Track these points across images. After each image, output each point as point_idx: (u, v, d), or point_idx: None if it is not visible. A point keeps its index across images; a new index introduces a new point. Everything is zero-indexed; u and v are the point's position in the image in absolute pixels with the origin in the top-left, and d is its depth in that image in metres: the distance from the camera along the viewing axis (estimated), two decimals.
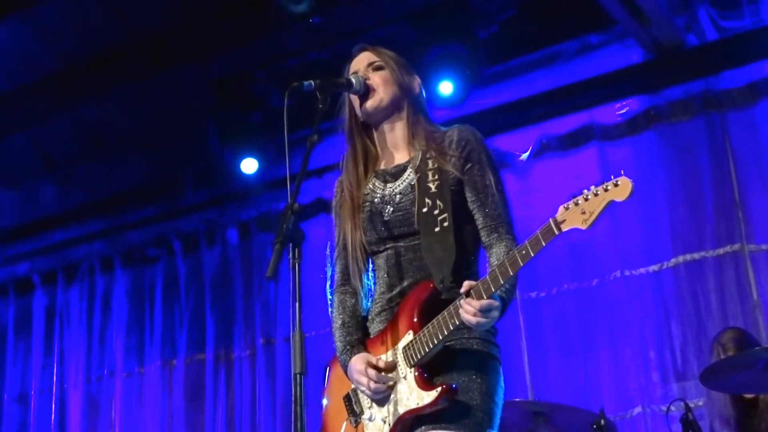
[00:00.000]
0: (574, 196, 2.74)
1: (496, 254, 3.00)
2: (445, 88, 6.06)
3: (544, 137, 6.47)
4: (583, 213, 2.71)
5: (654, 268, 6.01)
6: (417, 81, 3.31)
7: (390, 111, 3.22)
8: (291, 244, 2.71)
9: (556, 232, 2.74)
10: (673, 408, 5.12)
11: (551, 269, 6.12)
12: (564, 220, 2.73)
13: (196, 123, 7.04)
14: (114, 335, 7.85)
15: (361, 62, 3.27)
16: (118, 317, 7.86)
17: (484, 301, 2.80)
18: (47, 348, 8.13)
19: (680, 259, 5.95)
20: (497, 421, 2.95)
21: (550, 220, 2.75)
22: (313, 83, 3.07)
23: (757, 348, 4.45)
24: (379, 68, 3.24)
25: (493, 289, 2.80)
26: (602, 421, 4.53)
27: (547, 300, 6.25)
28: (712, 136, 6.03)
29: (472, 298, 2.81)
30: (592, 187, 2.72)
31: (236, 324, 7.39)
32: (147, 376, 7.64)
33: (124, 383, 7.71)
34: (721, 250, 5.86)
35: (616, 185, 2.68)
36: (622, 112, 6.32)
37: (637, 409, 5.79)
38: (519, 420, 4.65)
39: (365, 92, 3.19)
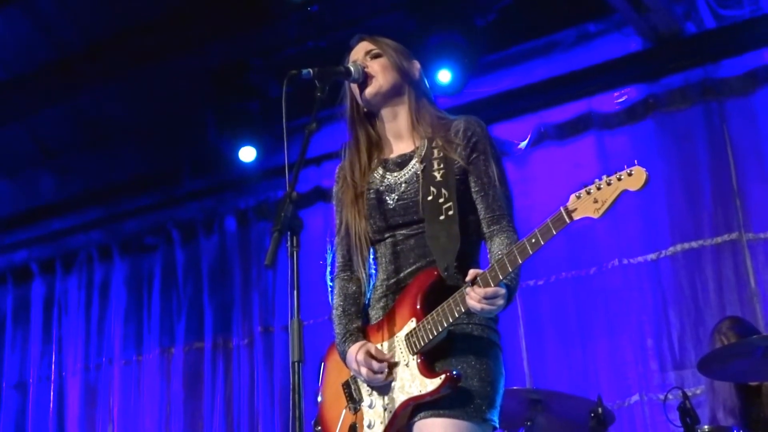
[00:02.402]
0: (586, 185, 2.73)
1: (497, 245, 2.99)
2: (444, 76, 6.05)
3: (543, 126, 6.46)
4: (596, 202, 2.71)
5: (652, 256, 6.01)
6: (417, 66, 3.29)
7: (390, 97, 3.21)
8: (289, 233, 2.71)
9: (568, 221, 2.74)
10: (670, 396, 5.13)
11: (549, 257, 6.11)
12: (575, 209, 2.73)
13: (194, 112, 7.03)
14: (112, 323, 7.86)
15: (359, 52, 3.26)
16: (117, 305, 7.87)
17: (490, 289, 2.79)
18: (46, 336, 8.14)
19: (678, 247, 5.95)
20: (497, 407, 2.95)
21: (561, 208, 2.75)
22: (311, 71, 3.07)
23: (755, 336, 4.45)
24: (377, 56, 3.23)
25: (500, 277, 2.80)
26: (600, 409, 4.53)
27: (545, 288, 6.25)
28: (711, 125, 6.03)
29: (479, 285, 2.81)
30: (605, 177, 2.72)
31: (234, 312, 7.40)
32: (145, 364, 7.65)
33: (122, 371, 7.72)
34: (719, 239, 5.86)
35: (629, 174, 2.68)
36: (621, 100, 6.31)
37: (635, 397, 5.80)
38: (517, 408, 4.66)
39: (364, 80, 3.19)
